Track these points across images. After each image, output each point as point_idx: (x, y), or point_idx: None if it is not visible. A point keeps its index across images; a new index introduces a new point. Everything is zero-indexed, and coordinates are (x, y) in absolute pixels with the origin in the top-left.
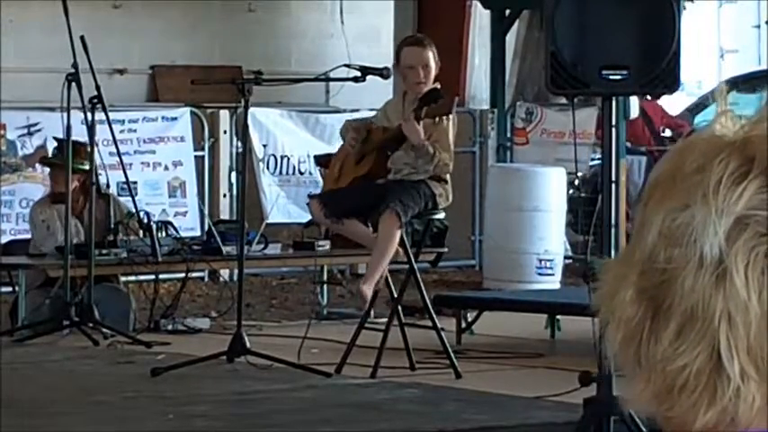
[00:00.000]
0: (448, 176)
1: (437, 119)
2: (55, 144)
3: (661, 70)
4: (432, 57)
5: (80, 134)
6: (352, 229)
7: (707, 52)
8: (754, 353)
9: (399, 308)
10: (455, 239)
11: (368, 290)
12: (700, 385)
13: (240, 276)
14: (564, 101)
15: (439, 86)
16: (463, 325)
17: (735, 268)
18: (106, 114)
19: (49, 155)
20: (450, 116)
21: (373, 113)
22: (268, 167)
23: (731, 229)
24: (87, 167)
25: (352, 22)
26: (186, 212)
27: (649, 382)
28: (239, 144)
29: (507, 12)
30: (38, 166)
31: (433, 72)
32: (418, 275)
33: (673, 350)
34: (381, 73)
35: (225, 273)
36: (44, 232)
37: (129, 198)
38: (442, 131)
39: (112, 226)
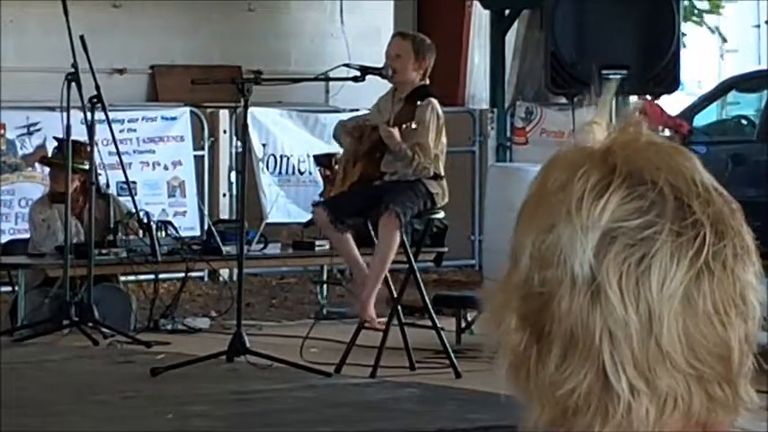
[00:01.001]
0: (443, 174)
1: (419, 121)
2: (55, 144)
3: (661, 70)
4: (407, 48)
5: (80, 134)
6: (343, 247)
7: (707, 52)
8: (641, 366)
9: (399, 308)
10: (455, 239)
11: (370, 306)
12: (591, 406)
13: (240, 276)
14: (564, 100)
15: (428, 83)
16: (463, 325)
17: (608, 283)
18: (106, 114)
19: (49, 155)
20: (433, 118)
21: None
22: (268, 167)
23: (599, 245)
24: (87, 167)
25: (352, 21)
26: (185, 212)
27: (544, 408)
28: (239, 144)
29: (507, 11)
30: (37, 165)
31: (410, 64)
32: (418, 275)
33: (559, 374)
34: (381, 73)
35: (225, 272)
36: (44, 232)
37: (129, 198)
38: (423, 134)
39: (112, 226)
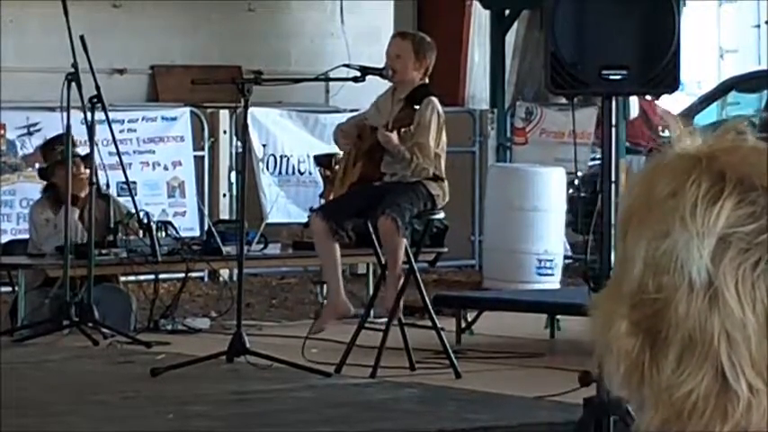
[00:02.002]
0: (444, 175)
1: (419, 121)
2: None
3: (661, 70)
4: (407, 48)
5: (80, 134)
6: (329, 260)
7: (707, 52)
8: (759, 365)
9: (399, 308)
10: (455, 239)
11: (396, 307)
12: (709, 407)
13: (240, 276)
14: (563, 101)
15: (428, 82)
16: (463, 325)
17: (725, 287)
18: (106, 114)
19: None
20: (433, 117)
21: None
22: (268, 167)
23: (715, 250)
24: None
25: (352, 21)
26: (185, 212)
27: (658, 411)
28: (239, 144)
29: (507, 11)
30: (38, 165)
31: (410, 64)
32: (418, 275)
33: (676, 377)
34: (381, 73)
35: (225, 273)
36: (46, 231)
37: (129, 198)
38: (423, 133)
39: (112, 226)
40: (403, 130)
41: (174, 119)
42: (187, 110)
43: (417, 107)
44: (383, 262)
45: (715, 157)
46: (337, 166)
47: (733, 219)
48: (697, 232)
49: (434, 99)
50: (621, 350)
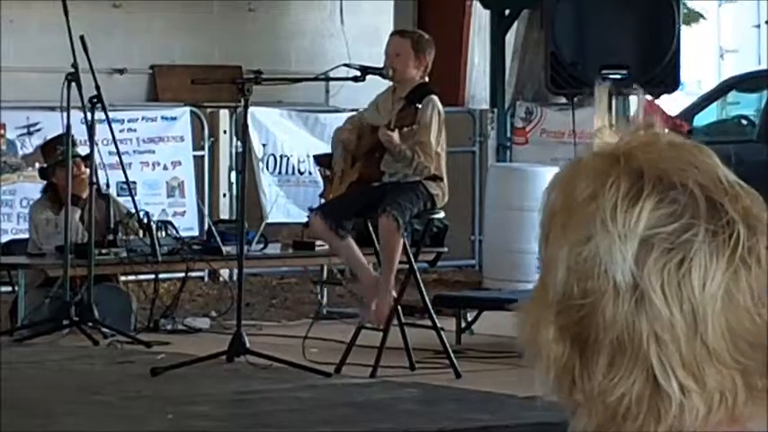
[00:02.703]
0: (444, 175)
1: (420, 120)
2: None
3: (661, 70)
4: (406, 46)
5: (80, 134)
6: (347, 253)
7: (707, 52)
8: (690, 365)
9: (399, 308)
10: (455, 239)
11: (385, 312)
12: (642, 410)
13: (240, 276)
14: (563, 100)
15: (427, 80)
16: (463, 325)
17: (651, 289)
18: (106, 114)
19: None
20: (434, 116)
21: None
22: (267, 167)
23: (638, 252)
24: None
25: (352, 21)
26: (184, 212)
27: (592, 415)
28: (239, 144)
29: (507, 11)
30: (38, 165)
31: (410, 62)
32: (418, 275)
33: (608, 382)
34: (381, 72)
35: (225, 272)
36: (47, 231)
37: (129, 198)
38: (424, 132)
39: (112, 226)
40: (405, 129)
41: (173, 119)
42: (187, 110)
43: (418, 106)
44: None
45: (633, 155)
46: (336, 166)
47: (654, 219)
48: (618, 235)
49: (435, 97)
50: (551, 356)
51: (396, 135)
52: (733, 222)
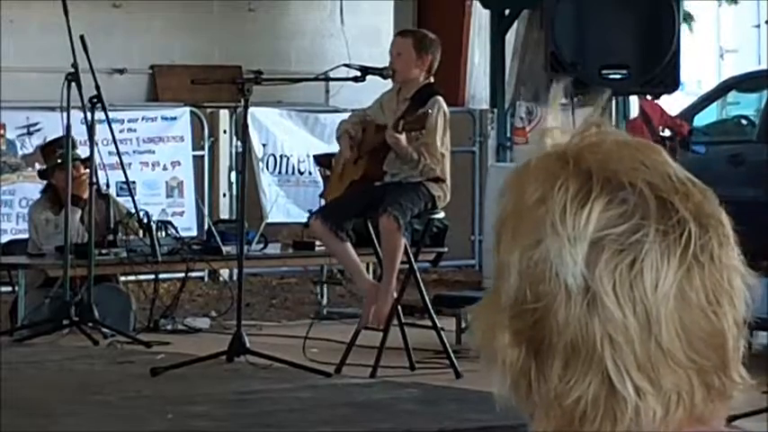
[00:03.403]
0: (447, 176)
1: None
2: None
3: (661, 70)
4: (407, 46)
5: (80, 134)
6: (344, 256)
7: (707, 52)
8: (645, 367)
9: (399, 308)
10: (455, 239)
11: (385, 312)
12: (599, 413)
13: (240, 276)
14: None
15: (432, 81)
16: (463, 325)
17: (603, 291)
18: (106, 114)
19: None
20: (440, 118)
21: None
22: (267, 167)
23: (589, 254)
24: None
25: (352, 21)
26: (184, 212)
27: (549, 419)
28: (239, 144)
29: (507, 11)
30: (38, 165)
31: (412, 62)
32: (418, 275)
33: (564, 385)
34: (381, 73)
35: (225, 272)
36: (47, 231)
37: (129, 198)
38: (429, 134)
39: (112, 226)
40: (414, 133)
41: (173, 119)
42: (187, 110)
43: (423, 107)
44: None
45: (581, 155)
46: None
47: (604, 221)
48: (568, 238)
49: (441, 99)
50: (506, 361)
51: (403, 137)
52: (684, 221)
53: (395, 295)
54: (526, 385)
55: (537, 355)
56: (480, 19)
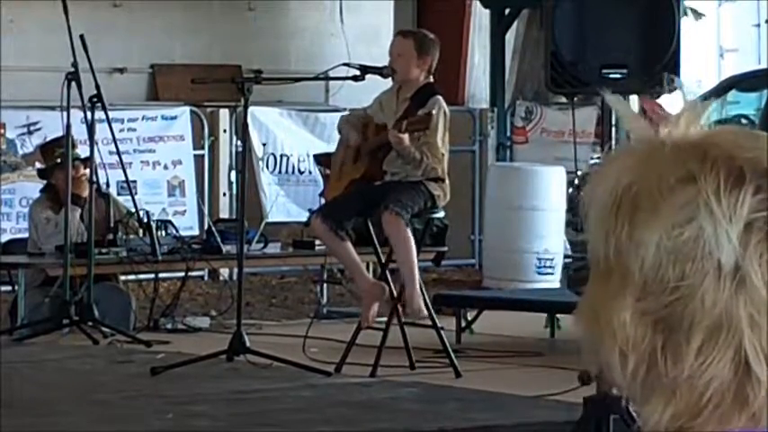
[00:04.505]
0: (446, 176)
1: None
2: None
3: (661, 70)
4: (408, 46)
5: (80, 133)
6: (344, 255)
7: (707, 52)
8: None
9: (399, 307)
10: (455, 239)
11: (419, 302)
12: (730, 394)
13: (240, 275)
14: (564, 100)
15: (432, 81)
16: (463, 324)
17: (753, 271)
18: (106, 113)
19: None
20: (441, 117)
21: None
22: (267, 166)
23: (742, 235)
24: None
25: (351, 21)
26: (185, 211)
27: (671, 401)
28: (239, 143)
29: (507, 11)
30: (38, 164)
31: (412, 62)
32: (418, 275)
33: (698, 365)
34: (381, 72)
35: (225, 272)
36: (47, 230)
37: (129, 197)
38: (432, 134)
39: (112, 225)
40: (417, 134)
41: (174, 118)
42: (187, 109)
43: (423, 107)
44: (383, 261)
45: (717, 143)
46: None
47: (755, 204)
48: (725, 216)
49: (441, 98)
50: (629, 341)
51: (406, 137)
52: None
53: (422, 284)
54: (647, 367)
55: (669, 335)
56: (480, 19)
